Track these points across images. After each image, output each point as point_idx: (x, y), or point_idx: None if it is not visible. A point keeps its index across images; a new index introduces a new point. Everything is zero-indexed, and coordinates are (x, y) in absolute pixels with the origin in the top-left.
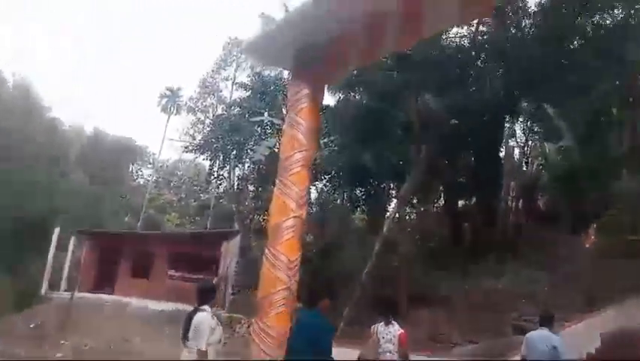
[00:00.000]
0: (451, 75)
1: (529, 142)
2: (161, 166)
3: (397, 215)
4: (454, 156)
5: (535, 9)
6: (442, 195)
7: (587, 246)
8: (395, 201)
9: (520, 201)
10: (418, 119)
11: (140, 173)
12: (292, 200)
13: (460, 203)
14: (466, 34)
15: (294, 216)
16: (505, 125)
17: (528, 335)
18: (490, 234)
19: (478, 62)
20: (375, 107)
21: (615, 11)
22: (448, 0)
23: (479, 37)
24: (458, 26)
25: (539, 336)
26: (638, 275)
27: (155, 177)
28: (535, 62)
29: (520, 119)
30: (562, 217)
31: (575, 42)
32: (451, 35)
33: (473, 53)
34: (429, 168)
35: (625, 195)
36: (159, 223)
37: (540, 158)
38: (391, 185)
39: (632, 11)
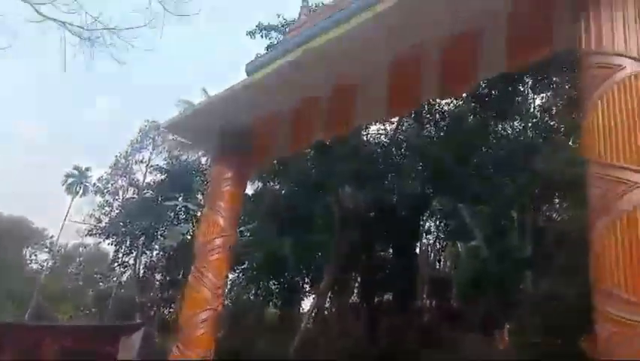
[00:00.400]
0: (371, 170)
1: (443, 241)
2: (58, 250)
3: (316, 310)
4: (372, 250)
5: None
6: (359, 291)
7: (502, 348)
8: (313, 295)
9: (434, 300)
10: (338, 212)
11: (35, 257)
12: (208, 290)
13: (377, 299)
14: (386, 131)
15: (210, 309)
16: (421, 222)
17: None
18: (404, 333)
19: (397, 159)
20: (293, 197)
21: (515, 123)
22: (376, 98)
23: (399, 135)
24: (380, 122)
25: None
26: None
27: (50, 262)
28: (447, 163)
29: (436, 216)
30: (474, 317)
31: (483, 148)
32: (372, 131)
33: (393, 149)
34: (347, 262)
35: (531, 298)
36: (50, 314)
37: (452, 257)
38: (306, 278)
39: (529, 124)
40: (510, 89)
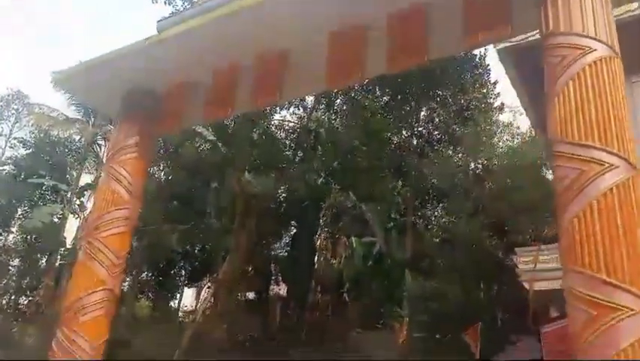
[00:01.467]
0: (278, 156)
1: (338, 235)
2: None
3: (210, 302)
4: (271, 241)
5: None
6: (253, 284)
7: (401, 341)
8: (208, 286)
9: (328, 294)
10: (239, 199)
11: None
12: (104, 268)
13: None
14: (299, 116)
15: (105, 289)
16: (321, 215)
17: None
18: (299, 327)
19: (305, 147)
20: (184, 182)
21: (403, 132)
22: (309, 69)
23: (310, 123)
24: (294, 106)
25: None
26: None
27: None
28: (346, 160)
29: (333, 210)
30: (363, 312)
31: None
32: (284, 114)
33: (302, 137)
34: (245, 253)
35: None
36: None
37: (346, 252)
38: (183, 270)
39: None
40: (400, 97)
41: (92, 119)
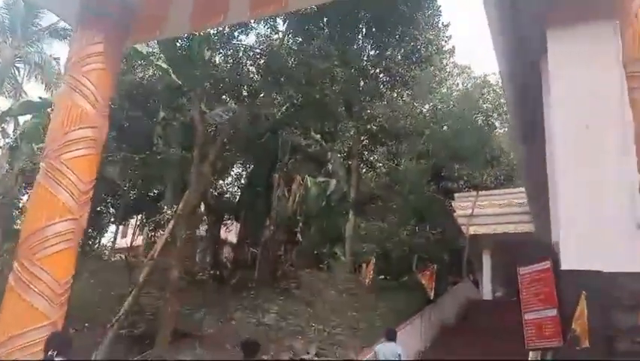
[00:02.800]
0: (242, 83)
1: (295, 173)
2: None
3: (168, 238)
4: (227, 175)
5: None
6: (211, 219)
7: (367, 282)
8: (170, 221)
9: (282, 233)
10: (198, 128)
11: None
12: (69, 194)
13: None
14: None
15: (70, 219)
16: (280, 150)
17: (377, 347)
18: (254, 264)
19: (272, 77)
20: (134, 112)
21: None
22: None
23: (285, 46)
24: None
25: (387, 347)
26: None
27: None
28: (305, 94)
29: (290, 145)
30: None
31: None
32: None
33: (270, 64)
34: (203, 187)
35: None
36: None
37: (300, 191)
38: (111, 206)
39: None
40: (349, 34)
41: (10, 39)
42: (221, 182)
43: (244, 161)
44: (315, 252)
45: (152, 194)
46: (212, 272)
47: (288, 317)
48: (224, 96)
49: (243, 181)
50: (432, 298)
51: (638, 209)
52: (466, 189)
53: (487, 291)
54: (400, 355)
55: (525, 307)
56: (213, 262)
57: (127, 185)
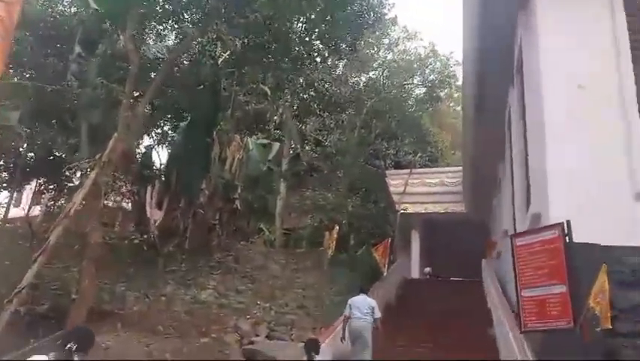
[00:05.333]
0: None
1: (238, 133)
2: None
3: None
4: (160, 125)
5: None
6: (138, 178)
7: (329, 253)
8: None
9: (220, 199)
10: (137, 58)
11: None
12: None
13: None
14: None
15: None
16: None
17: (351, 299)
18: (185, 233)
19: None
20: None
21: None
22: None
23: None
24: None
25: (360, 300)
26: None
27: None
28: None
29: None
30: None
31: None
32: None
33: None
34: (133, 136)
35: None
36: None
37: (241, 151)
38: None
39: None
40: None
41: None
42: (147, 138)
43: (178, 113)
44: (255, 222)
45: (57, 154)
46: (136, 240)
47: (228, 294)
48: (162, 25)
49: (175, 137)
50: (385, 273)
51: (636, 178)
52: (391, 167)
53: (415, 270)
54: (373, 308)
55: (522, 283)
56: (138, 228)
57: (27, 140)
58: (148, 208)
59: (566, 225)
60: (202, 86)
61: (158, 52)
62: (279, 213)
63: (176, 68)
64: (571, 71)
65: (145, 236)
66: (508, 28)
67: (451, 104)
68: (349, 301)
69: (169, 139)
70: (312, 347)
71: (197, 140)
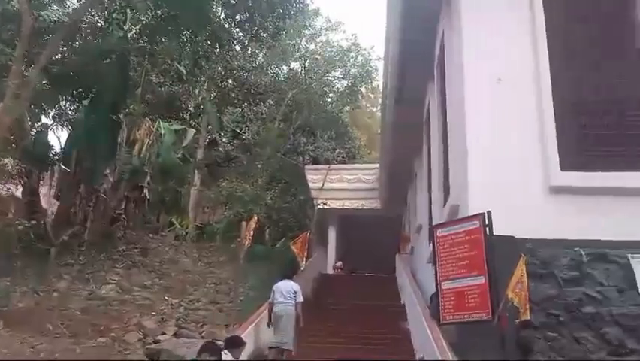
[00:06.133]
0: None
1: (146, 116)
2: None
3: None
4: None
5: None
6: (27, 158)
7: (247, 244)
8: None
9: (126, 186)
10: (29, 18)
11: None
12: None
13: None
14: None
15: None
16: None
17: (275, 285)
18: (85, 223)
19: None
20: None
21: None
22: None
23: None
24: None
25: (284, 284)
26: None
27: None
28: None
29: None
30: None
31: None
32: None
33: None
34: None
35: None
36: None
37: (152, 136)
38: None
39: None
40: None
41: None
42: (44, 117)
43: (80, 89)
44: (166, 216)
45: None
46: (25, 230)
47: (133, 289)
48: None
49: (75, 114)
50: (302, 267)
51: (550, 171)
52: (310, 162)
53: (332, 265)
54: (296, 292)
55: (442, 275)
56: (29, 216)
57: None
58: (42, 194)
59: (486, 216)
60: (108, 60)
61: (57, 16)
62: (192, 207)
63: (78, 36)
64: (491, 66)
65: (33, 223)
66: (431, 23)
67: (368, 106)
68: (273, 287)
69: (69, 118)
70: (230, 344)
71: (102, 120)
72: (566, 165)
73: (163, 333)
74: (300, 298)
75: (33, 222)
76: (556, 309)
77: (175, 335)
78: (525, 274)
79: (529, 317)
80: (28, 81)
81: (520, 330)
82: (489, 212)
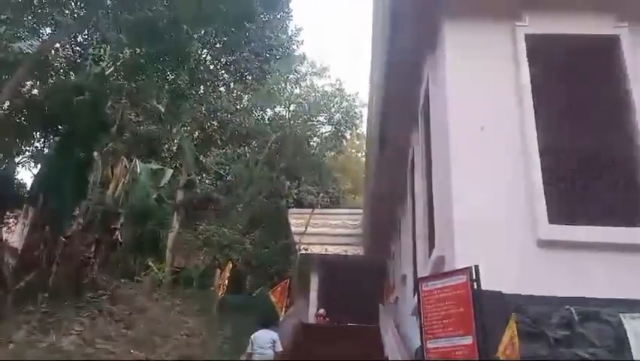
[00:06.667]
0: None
1: (121, 154)
2: None
3: None
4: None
5: None
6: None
7: (221, 293)
8: None
9: (97, 228)
10: None
11: None
12: None
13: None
14: None
15: None
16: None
17: (253, 335)
18: (50, 268)
19: None
20: None
21: None
22: None
23: None
24: None
25: (262, 334)
26: None
27: None
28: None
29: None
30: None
31: None
32: None
33: None
34: None
35: None
36: None
37: (127, 177)
38: None
39: None
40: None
41: None
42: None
43: (51, 126)
44: (143, 259)
45: None
46: None
47: (96, 341)
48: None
49: (45, 151)
50: (281, 318)
51: (538, 223)
52: (293, 205)
53: (313, 314)
54: (274, 341)
55: (428, 333)
56: None
57: None
58: (17, 234)
59: (474, 270)
60: (82, 96)
61: (27, 47)
62: (170, 249)
63: (53, 72)
64: (476, 115)
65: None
66: (416, 69)
67: (352, 151)
68: (251, 337)
69: (41, 156)
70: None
71: (73, 159)
72: (554, 218)
73: None
74: (279, 348)
75: None
76: None
77: None
78: (516, 335)
79: None
80: None
81: None
82: (477, 266)
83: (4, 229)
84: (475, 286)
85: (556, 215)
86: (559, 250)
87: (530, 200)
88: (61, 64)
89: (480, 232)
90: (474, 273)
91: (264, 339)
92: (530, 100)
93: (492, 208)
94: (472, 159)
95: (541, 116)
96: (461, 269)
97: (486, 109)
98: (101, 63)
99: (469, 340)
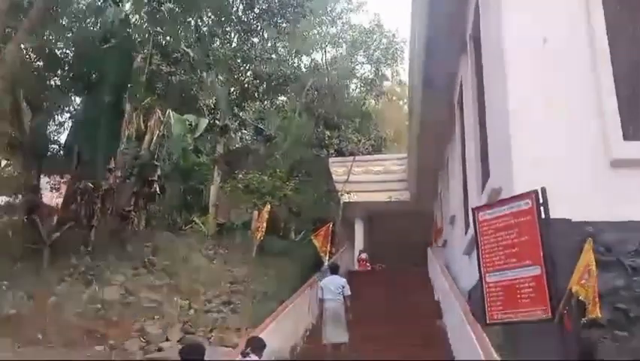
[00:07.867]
0: None
1: (155, 106)
2: None
3: None
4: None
5: None
6: (25, 157)
7: (258, 237)
8: None
9: (135, 181)
10: None
11: None
12: None
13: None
14: None
15: None
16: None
17: (322, 282)
18: (91, 221)
19: None
20: None
21: None
22: None
23: None
24: None
25: (331, 280)
26: None
27: None
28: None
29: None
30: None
31: None
32: None
33: None
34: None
35: None
36: None
37: (161, 129)
38: None
39: None
40: None
41: None
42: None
43: (81, 77)
44: (183, 214)
45: None
46: (23, 229)
47: (139, 291)
48: None
49: (77, 105)
50: (325, 263)
51: (611, 141)
52: (334, 155)
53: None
54: (343, 286)
55: (487, 266)
56: (27, 215)
57: None
58: (42, 192)
59: (540, 194)
60: (108, 44)
61: None
62: (213, 204)
63: (75, 19)
64: (536, 26)
65: (35, 224)
66: None
67: (394, 98)
68: (320, 284)
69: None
70: (254, 345)
71: (104, 109)
72: (629, 135)
73: (167, 339)
74: (348, 292)
75: (30, 228)
76: (624, 303)
77: (180, 341)
78: (594, 262)
79: (600, 314)
80: (4, 59)
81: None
82: (544, 189)
83: (48, 189)
84: (543, 212)
85: (632, 131)
86: (635, 170)
87: (602, 116)
88: (84, 11)
89: (542, 156)
90: (540, 197)
91: (334, 285)
92: (601, 9)
93: (555, 128)
94: (533, 75)
95: (612, 26)
96: (525, 193)
97: (549, 20)
98: (120, 5)
99: (536, 270)
